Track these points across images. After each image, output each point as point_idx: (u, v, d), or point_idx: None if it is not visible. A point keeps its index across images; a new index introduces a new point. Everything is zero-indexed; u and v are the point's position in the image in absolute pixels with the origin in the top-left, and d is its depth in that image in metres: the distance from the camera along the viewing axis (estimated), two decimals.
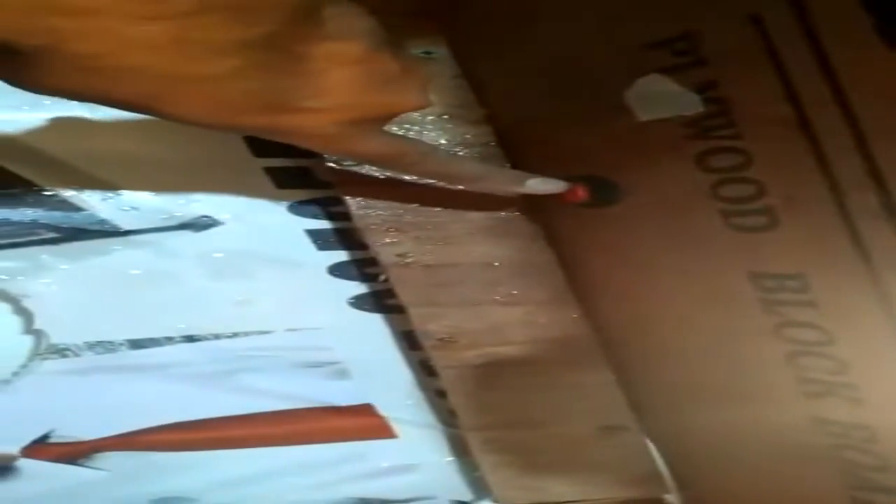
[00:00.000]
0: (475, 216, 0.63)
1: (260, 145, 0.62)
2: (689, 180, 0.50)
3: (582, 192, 0.56)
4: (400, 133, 0.58)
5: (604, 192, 0.56)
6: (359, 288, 0.68)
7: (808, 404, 0.54)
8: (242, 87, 0.39)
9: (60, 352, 0.65)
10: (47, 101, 0.57)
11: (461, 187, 0.59)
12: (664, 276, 0.57)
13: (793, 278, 0.50)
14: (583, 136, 0.56)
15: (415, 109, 0.47)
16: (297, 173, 0.63)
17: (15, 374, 0.66)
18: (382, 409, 0.73)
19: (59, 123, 0.58)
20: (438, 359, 0.66)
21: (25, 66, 0.35)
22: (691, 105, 0.47)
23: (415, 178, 0.59)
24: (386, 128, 0.48)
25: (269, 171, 0.63)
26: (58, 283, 0.63)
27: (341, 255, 0.67)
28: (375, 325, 0.70)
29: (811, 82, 0.42)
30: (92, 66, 0.35)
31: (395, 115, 0.46)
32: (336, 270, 0.67)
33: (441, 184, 0.59)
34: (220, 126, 0.41)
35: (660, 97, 0.48)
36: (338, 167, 0.60)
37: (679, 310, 0.58)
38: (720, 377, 0.59)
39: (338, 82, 0.42)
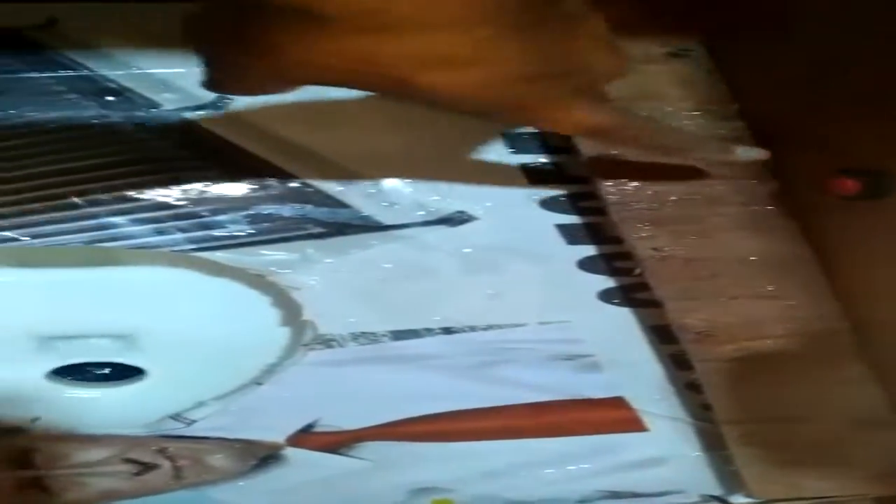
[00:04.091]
0: (733, 210, 0.62)
1: (516, 142, 0.63)
2: None
3: (852, 185, 0.55)
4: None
5: (877, 184, 0.55)
6: (607, 282, 0.68)
7: None
8: (512, 59, 0.41)
9: (326, 342, 0.67)
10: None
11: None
12: None
13: None
14: (850, 127, 0.55)
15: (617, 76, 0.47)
16: (550, 169, 0.64)
17: (275, 365, 0.68)
18: (634, 403, 0.73)
19: (327, 120, 0.61)
20: (695, 353, 0.67)
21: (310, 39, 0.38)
22: None
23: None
24: None
25: (524, 167, 0.64)
26: (322, 276, 0.65)
27: (590, 250, 0.67)
28: (625, 319, 0.70)
29: None
30: (382, 29, 0.38)
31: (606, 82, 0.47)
32: (585, 265, 0.67)
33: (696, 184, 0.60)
34: (463, 104, 0.44)
35: None
36: (597, 162, 0.60)
37: None
38: None
39: (583, 53, 0.44)
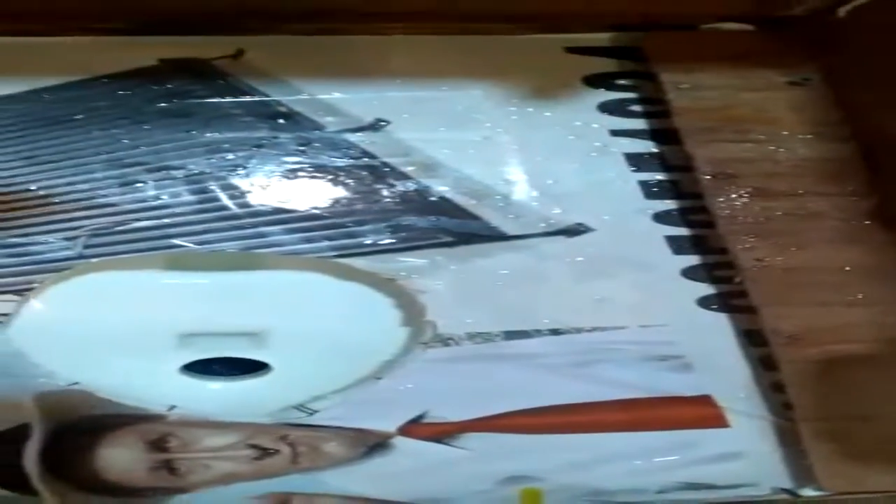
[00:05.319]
0: (834, 224, 0.68)
1: (637, 161, 0.70)
2: None
3: None
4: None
5: None
6: (707, 289, 0.73)
7: None
8: None
9: (444, 341, 0.73)
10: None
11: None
12: None
13: None
14: None
15: None
16: (665, 186, 0.70)
17: (393, 362, 0.74)
18: (720, 401, 0.78)
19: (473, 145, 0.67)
20: (783, 355, 0.71)
21: None
22: None
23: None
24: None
25: (642, 183, 0.70)
26: (446, 280, 0.71)
27: (694, 259, 0.73)
28: (719, 323, 0.74)
29: None
30: None
31: None
32: (688, 273, 0.73)
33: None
34: None
35: None
36: (708, 180, 0.66)
37: None
38: None
39: None
